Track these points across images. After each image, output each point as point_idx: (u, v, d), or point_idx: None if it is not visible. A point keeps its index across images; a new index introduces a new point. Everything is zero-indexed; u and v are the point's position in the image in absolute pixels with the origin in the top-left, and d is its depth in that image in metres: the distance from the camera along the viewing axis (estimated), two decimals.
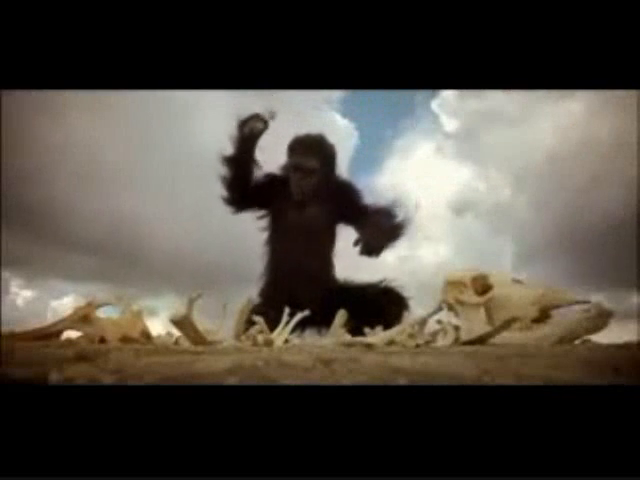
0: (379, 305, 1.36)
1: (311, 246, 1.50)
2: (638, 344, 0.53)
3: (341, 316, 0.76)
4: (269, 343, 0.73)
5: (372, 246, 1.36)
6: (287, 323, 0.89)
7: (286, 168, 1.55)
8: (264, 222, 1.60)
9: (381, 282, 1.50)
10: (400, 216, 1.48)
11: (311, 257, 1.49)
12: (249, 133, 1.44)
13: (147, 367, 0.34)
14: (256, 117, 1.43)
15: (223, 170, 1.51)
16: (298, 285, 1.45)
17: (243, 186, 1.53)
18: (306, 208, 1.52)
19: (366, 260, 1.50)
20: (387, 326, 0.84)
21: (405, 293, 1.46)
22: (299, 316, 0.90)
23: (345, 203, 1.55)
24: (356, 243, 1.37)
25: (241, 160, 1.50)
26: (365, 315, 0.94)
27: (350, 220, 1.53)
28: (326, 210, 1.54)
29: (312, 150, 1.50)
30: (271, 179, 1.57)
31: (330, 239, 1.57)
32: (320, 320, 0.84)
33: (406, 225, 1.48)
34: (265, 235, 1.59)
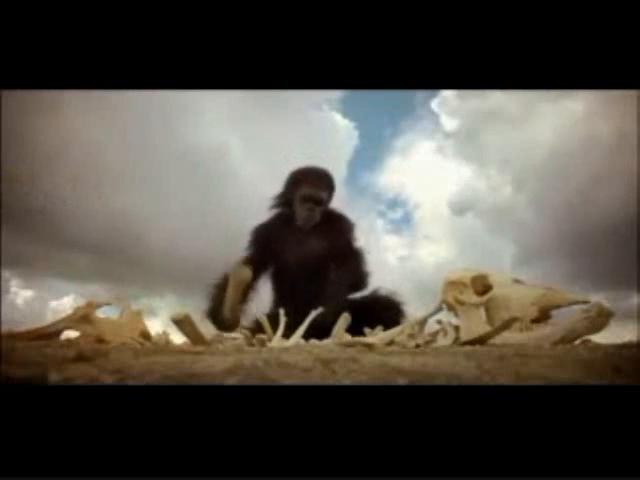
0: (374, 315, 1.34)
1: (314, 278, 1.47)
2: (638, 344, 0.53)
3: (344, 319, 0.76)
4: (262, 343, 0.73)
5: (333, 296, 1.31)
6: (286, 324, 0.89)
7: (287, 199, 1.54)
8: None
9: (375, 292, 1.50)
10: (364, 268, 1.51)
11: (314, 286, 1.44)
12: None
13: (147, 367, 0.34)
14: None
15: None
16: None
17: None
18: (307, 239, 1.52)
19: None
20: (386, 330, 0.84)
21: (398, 298, 1.45)
22: (312, 314, 0.90)
23: (338, 240, 1.55)
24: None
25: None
26: (363, 326, 0.94)
27: (335, 259, 1.50)
28: (326, 240, 1.53)
29: (323, 182, 1.53)
30: (272, 223, 1.56)
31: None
32: (321, 334, 0.85)
33: (367, 278, 1.51)
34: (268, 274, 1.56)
